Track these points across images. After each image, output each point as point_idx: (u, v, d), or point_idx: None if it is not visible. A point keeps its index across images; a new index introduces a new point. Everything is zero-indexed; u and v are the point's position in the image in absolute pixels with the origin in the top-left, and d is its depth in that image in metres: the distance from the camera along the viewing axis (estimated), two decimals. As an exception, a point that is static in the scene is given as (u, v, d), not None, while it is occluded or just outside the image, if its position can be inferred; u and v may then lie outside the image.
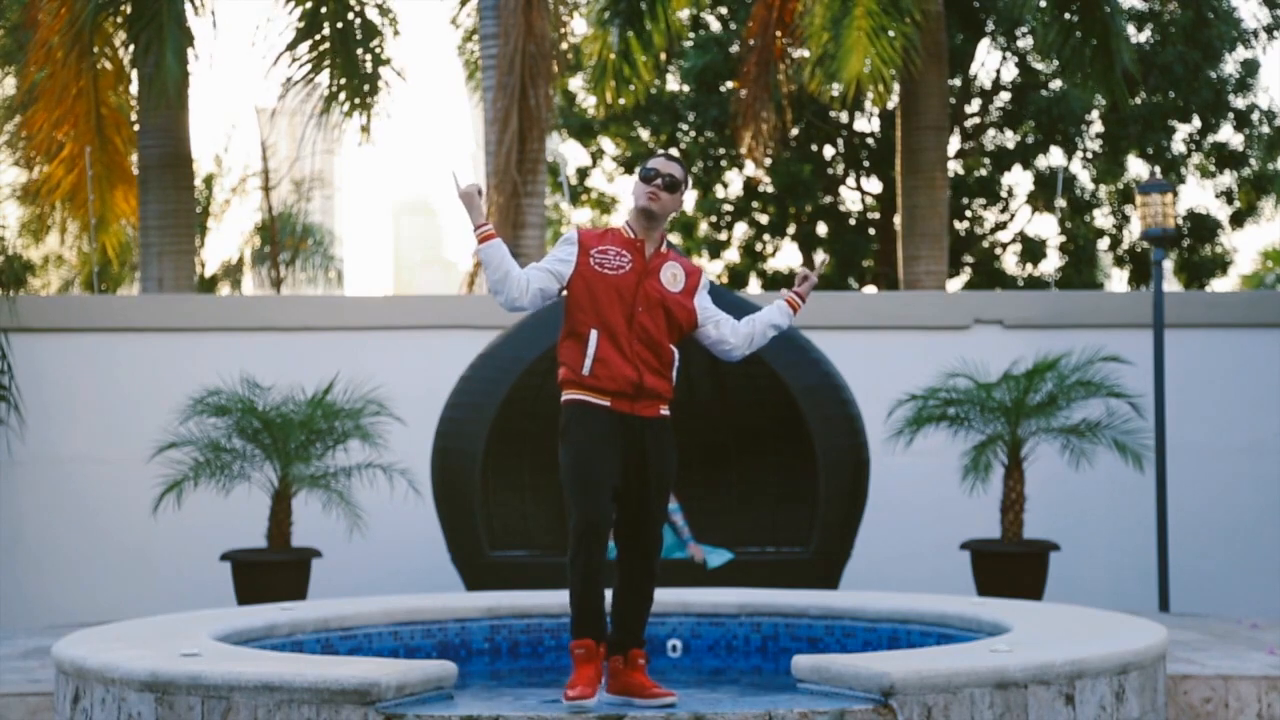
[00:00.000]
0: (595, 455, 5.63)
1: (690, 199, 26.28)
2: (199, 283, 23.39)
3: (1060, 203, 23.67)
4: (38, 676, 8.23)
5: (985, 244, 25.35)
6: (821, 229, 25.37)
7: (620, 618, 5.75)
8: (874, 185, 24.94)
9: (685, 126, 24.56)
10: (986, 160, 24.86)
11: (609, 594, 5.74)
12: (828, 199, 25.13)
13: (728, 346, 5.93)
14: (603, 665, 5.67)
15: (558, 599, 8.08)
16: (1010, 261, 25.29)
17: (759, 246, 25.98)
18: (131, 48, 15.03)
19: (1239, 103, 23.49)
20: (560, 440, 5.73)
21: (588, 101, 24.66)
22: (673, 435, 5.82)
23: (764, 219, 25.64)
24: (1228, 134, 24.05)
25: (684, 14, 20.96)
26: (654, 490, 5.71)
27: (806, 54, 16.12)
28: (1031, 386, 11.18)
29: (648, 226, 5.81)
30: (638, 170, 5.86)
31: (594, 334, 5.67)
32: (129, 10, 14.28)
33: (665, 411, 5.79)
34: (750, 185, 25.08)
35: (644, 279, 5.74)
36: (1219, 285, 24.92)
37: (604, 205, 26.67)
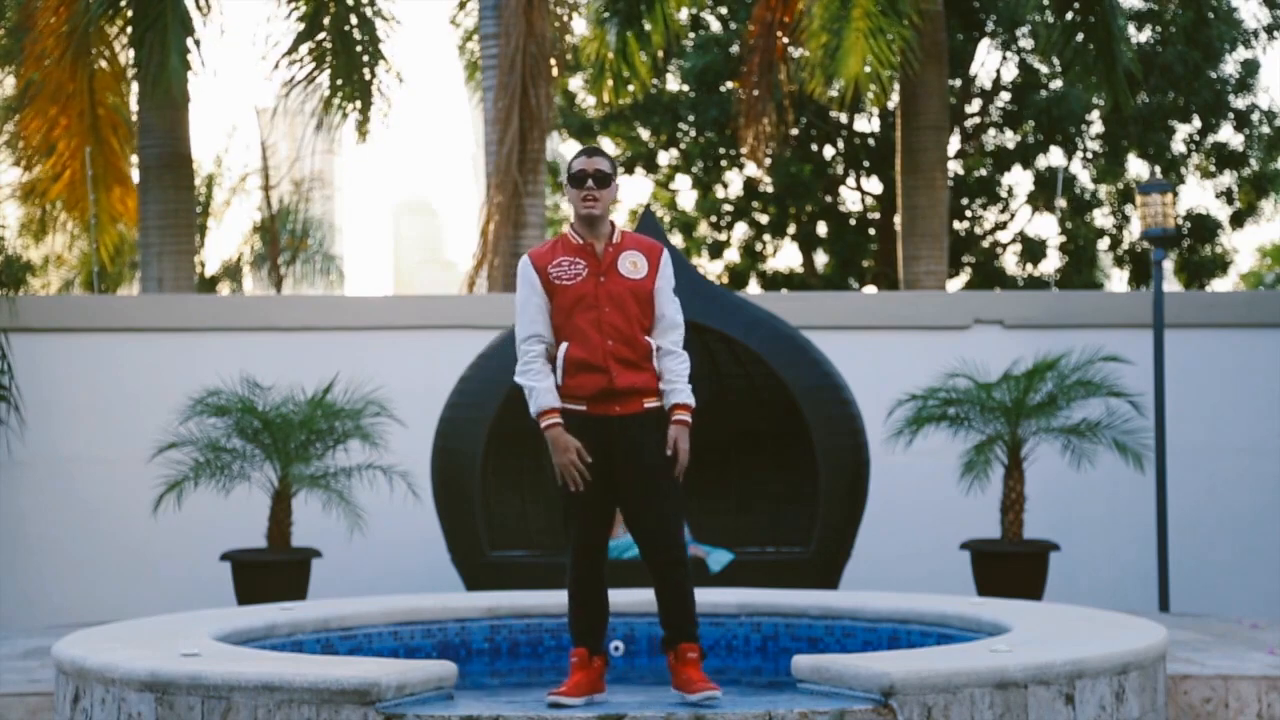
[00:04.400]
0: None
1: (690, 199, 26.28)
2: (199, 283, 23.38)
3: (1060, 203, 23.67)
4: (38, 676, 8.23)
5: (985, 244, 25.36)
6: (821, 229, 25.38)
7: (662, 615, 5.78)
8: (874, 185, 24.94)
9: (685, 126, 24.56)
10: (987, 160, 24.87)
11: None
12: (828, 199, 25.14)
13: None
14: (600, 681, 5.73)
15: (558, 599, 8.06)
16: (1010, 261, 25.30)
17: (759, 246, 25.99)
18: (133, 49, 15.03)
19: (1239, 103, 23.51)
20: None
21: (588, 101, 24.68)
22: (658, 424, 5.70)
23: (764, 219, 25.64)
24: (1228, 134, 24.06)
25: (684, 14, 20.97)
26: (649, 483, 5.67)
27: (807, 54, 16.12)
28: (1031, 386, 11.17)
29: (592, 226, 5.78)
30: (565, 171, 5.83)
31: (564, 345, 5.68)
32: (130, 12, 14.28)
33: (651, 404, 5.71)
34: (750, 185, 25.09)
35: (604, 277, 5.72)
36: (1219, 285, 24.93)
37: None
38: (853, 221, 25.23)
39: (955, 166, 24.34)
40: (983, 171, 24.95)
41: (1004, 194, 25.02)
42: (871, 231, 24.87)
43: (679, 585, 5.74)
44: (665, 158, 25.76)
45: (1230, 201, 24.47)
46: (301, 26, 15.57)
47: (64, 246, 26.22)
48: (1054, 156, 24.57)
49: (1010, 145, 24.69)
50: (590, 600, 5.78)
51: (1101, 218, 25.27)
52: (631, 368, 5.68)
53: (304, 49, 15.57)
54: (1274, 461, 13.16)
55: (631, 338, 5.69)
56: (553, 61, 15.88)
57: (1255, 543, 13.06)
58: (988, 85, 24.53)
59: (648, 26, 16.61)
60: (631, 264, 5.76)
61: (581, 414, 5.67)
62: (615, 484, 5.70)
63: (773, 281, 25.63)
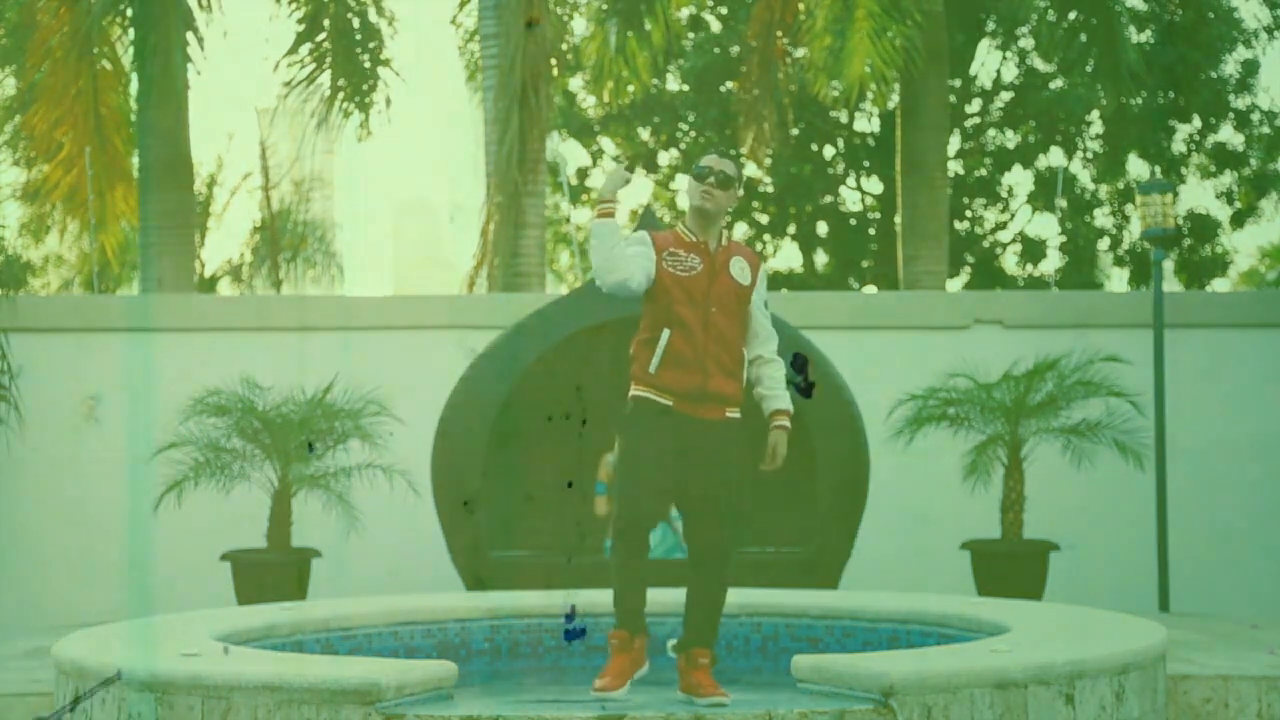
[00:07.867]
0: (648, 455, 5.63)
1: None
2: (199, 283, 23.39)
3: (1060, 203, 23.66)
4: (38, 676, 8.22)
5: (985, 244, 25.35)
6: (821, 229, 25.38)
7: (688, 618, 5.81)
8: (874, 185, 24.94)
9: (685, 126, 24.55)
10: (987, 160, 24.86)
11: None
12: (828, 199, 25.13)
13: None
14: (642, 657, 5.70)
15: (558, 599, 8.07)
16: (1010, 261, 25.29)
17: (759, 246, 25.98)
18: (134, 49, 15.03)
19: (1239, 103, 23.48)
20: (619, 434, 5.76)
21: (588, 101, 24.68)
22: (737, 437, 5.74)
23: (764, 219, 25.64)
24: (1228, 134, 24.04)
25: (684, 14, 20.97)
26: (714, 493, 5.68)
27: (807, 54, 16.12)
28: (1031, 386, 11.17)
29: (705, 225, 5.83)
30: (692, 168, 5.91)
31: (665, 334, 5.66)
32: (132, 12, 14.28)
33: (732, 414, 5.73)
34: (750, 185, 25.09)
35: (715, 278, 5.74)
36: (1219, 285, 24.92)
37: (604, 206, 26.65)
38: (853, 221, 25.22)
39: (955, 166, 24.33)
40: (983, 171, 24.94)
41: (1004, 194, 25.02)
42: (871, 231, 24.86)
43: (716, 599, 5.82)
44: (665, 158, 25.76)
45: (1230, 201, 24.45)
46: (302, 27, 15.58)
47: (64, 246, 26.21)
48: (1054, 156, 24.56)
49: (1010, 145, 24.68)
50: (638, 578, 5.70)
51: (1101, 218, 25.25)
52: (726, 374, 5.70)
53: (304, 49, 15.57)
54: (1274, 461, 13.15)
55: (732, 342, 5.72)
56: (553, 61, 15.87)
57: (1255, 543, 13.06)
58: (988, 85, 24.52)
59: (648, 26, 16.61)
60: (740, 268, 5.82)
61: (667, 408, 5.64)
62: (683, 483, 5.68)
63: (773, 281, 25.62)
